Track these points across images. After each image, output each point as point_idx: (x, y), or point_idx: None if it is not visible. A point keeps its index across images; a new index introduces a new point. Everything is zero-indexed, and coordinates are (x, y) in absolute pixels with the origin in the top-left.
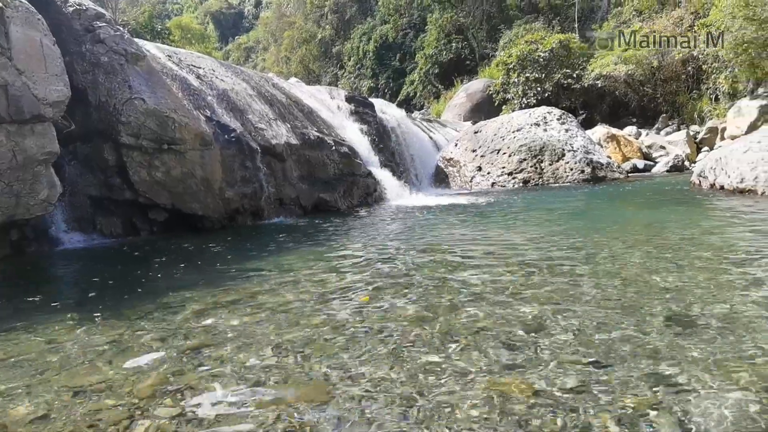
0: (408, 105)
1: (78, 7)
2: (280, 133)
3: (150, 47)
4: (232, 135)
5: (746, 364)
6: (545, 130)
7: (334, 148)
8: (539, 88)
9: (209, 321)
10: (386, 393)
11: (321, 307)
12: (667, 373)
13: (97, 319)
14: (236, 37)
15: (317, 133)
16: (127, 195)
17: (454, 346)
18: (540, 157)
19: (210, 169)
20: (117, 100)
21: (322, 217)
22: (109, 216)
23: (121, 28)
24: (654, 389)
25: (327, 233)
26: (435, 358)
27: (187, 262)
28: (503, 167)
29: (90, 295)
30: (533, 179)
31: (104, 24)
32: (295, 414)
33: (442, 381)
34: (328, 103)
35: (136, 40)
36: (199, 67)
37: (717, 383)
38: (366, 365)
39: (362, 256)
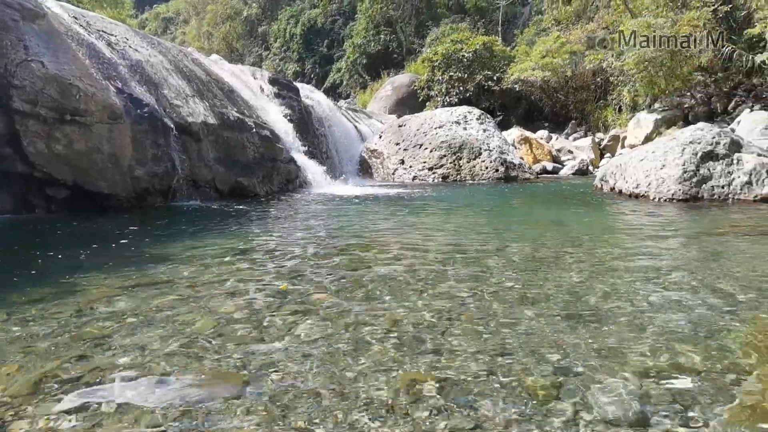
0: (334, 93)
1: None
2: (198, 111)
3: (52, 5)
4: (144, 110)
5: (636, 354)
6: (465, 128)
7: (254, 130)
8: (461, 88)
9: (112, 307)
10: (300, 384)
11: (235, 294)
12: (565, 362)
13: None
14: (154, 5)
15: (237, 114)
16: (20, 168)
17: (368, 335)
18: (459, 154)
19: (119, 145)
20: (9, 61)
21: (239, 201)
22: None
23: None
24: (553, 378)
25: (243, 219)
26: (349, 348)
27: (90, 242)
28: (425, 162)
29: None
30: (452, 175)
31: None
32: (205, 406)
33: (356, 371)
34: (250, 84)
35: None
36: (111, 34)
37: (610, 371)
38: (280, 355)
39: (279, 244)
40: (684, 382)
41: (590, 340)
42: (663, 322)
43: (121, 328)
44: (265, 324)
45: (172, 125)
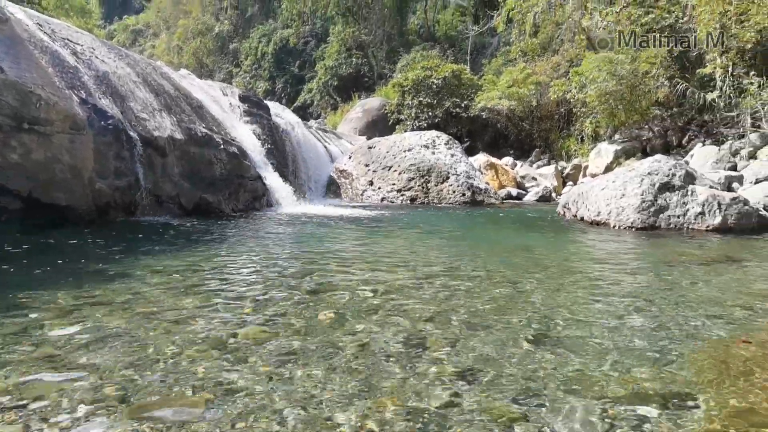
0: (305, 112)
1: None
2: (164, 126)
3: (16, 10)
4: (109, 122)
5: (598, 379)
6: (433, 152)
7: (222, 147)
8: (430, 113)
9: (66, 324)
10: (265, 407)
11: (196, 314)
12: (529, 387)
13: None
14: (124, 17)
15: (205, 130)
16: None
17: (334, 359)
18: (427, 177)
19: (80, 157)
20: None
21: (204, 218)
22: None
23: None
24: (516, 403)
25: (207, 236)
26: (316, 371)
27: (43, 257)
28: (393, 184)
29: None
30: (420, 198)
31: None
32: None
33: (322, 395)
34: (220, 100)
35: None
36: (77, 43)
37: (573, 397)
38: (243, 378)
39: (244, 263)
40: (645, 409)
41: (553, 365)
42: (623, 348)
43: (73, 349)
44: (227, 345)
45: (137, 138)
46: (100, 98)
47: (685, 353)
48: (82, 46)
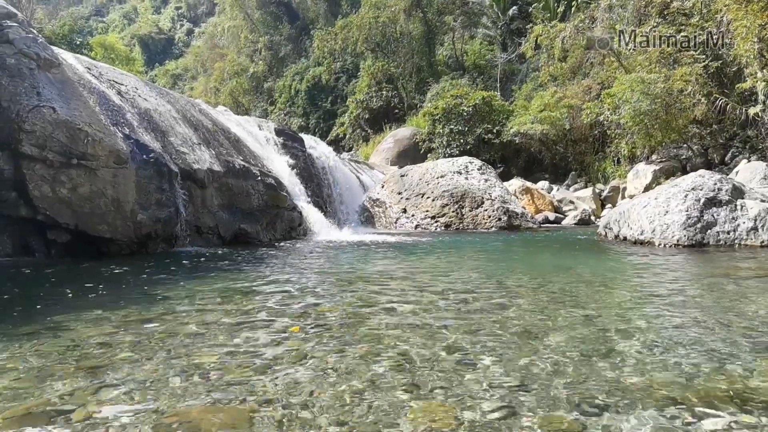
0: (337, 146)
1: None
2: (203, 159)
3: (68, 56)
4: (150, 155)
5: (655, 384)
6: (467, 178)
7: (259, 178)
8: (462, 140)
9: (111, 341)
10: (307, 420)
11: (238, 334)
12: (589, 397)
13: None
14: (165, 62)
15: (243, 162)
16: (23, 212)
17: (379, 372)
18: (461, 203)
19: (123, 190)
20: (21, 107)
21: (242, 248)
22: None
23: (35, 31)
24: (576, 413)
25: (248, 264)
26: (359, 385)
27: (91, 284)
28: (427, 211)
29: None
30: (454, 224)
31: (15, 24)
32: None
33: (367, 408)
34: (256, 134)
35: (53, 47)
36: (121, 84)
37: (629, 401)
38: (285, 390)
39: (284, 287)
40: (714, 420)
41: (611, 376)
42: (684, 358)
43: (118, 363)
44: (269, 359)
45: (177, 171)
46: (142, 133)
47: (757, 360)
48: (126, 86)
